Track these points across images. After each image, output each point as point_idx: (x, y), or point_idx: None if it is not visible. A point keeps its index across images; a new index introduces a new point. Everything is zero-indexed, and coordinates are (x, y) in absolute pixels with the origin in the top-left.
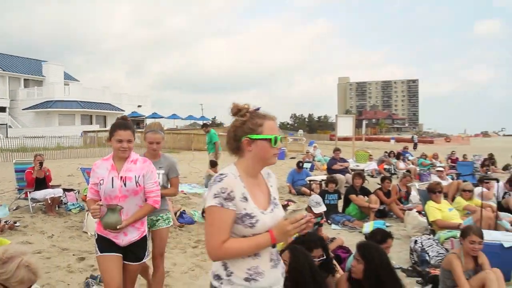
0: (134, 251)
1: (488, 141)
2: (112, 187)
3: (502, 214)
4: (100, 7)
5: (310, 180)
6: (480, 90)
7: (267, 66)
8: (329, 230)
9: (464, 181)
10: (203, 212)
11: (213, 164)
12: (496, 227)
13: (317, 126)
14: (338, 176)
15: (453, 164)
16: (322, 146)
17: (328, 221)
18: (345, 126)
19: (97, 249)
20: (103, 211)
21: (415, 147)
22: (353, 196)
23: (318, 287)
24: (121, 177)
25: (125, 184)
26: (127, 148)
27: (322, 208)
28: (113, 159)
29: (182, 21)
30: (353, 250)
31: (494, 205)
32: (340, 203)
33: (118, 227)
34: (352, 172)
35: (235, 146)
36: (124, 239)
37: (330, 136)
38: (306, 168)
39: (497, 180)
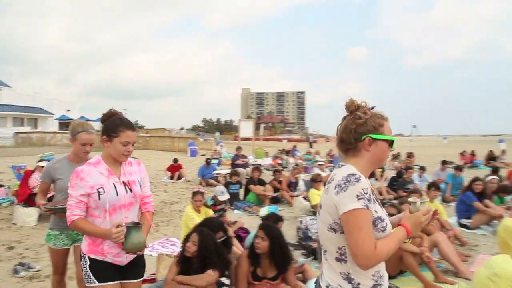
0: (134, 268)
1: None
2: (117, 195)
3: None
4: (32, 21)
5: (217, 174)
6: None
7: (182, 77)
8: (232, 215)
9: None
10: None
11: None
12: None
13: (223, 128)
14: (240, 169)
15: (331, 159)
16: (227, 145)
17: (232, 207)
18: (246, 129)
19: (92, 278)
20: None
21: (311, 145)
22: (252, 186)
23: (221, 259)
24: (123, 182)
25: (130, 190)
26: (131, 152)
27: (226, 196)
28: (105, 163)
29: (109, 37)
30: (252, 230)
31: None
32: (242, 192)
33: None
34: (252, 166)
35: (353, 145)
36: (127, 256)
37: (234, 136)
38: (214, 163)
39: None
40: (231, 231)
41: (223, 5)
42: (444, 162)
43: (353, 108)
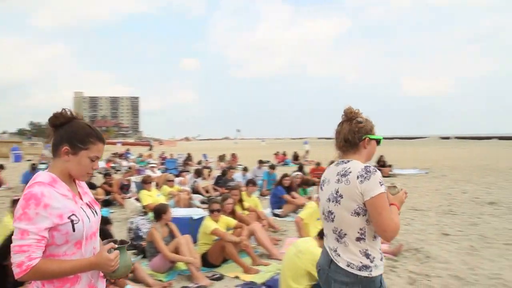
0: None
1: (189, 143)
2: (89, 221)
3: (194, 195)
4: None
5: None
6: (184, 108)
7: (3, 78)
8: None
9: (170, 173)
10: None
11: None
12: (190, 205)
13: None
14: None
15: (163, 161)
16: None
17: None
18: None
19: None
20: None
21: (151, 148)
22: None
23: None
24: (87, 204)
25: (96, 212)
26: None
27: None
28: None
29: None
30: None
31: (189, 189)
32: None
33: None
34: None
35: (354, 144)
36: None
37: None
38: (42, 168)
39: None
40: None
41: (53, 5)
42: (261, 162)
43: (352, 115)
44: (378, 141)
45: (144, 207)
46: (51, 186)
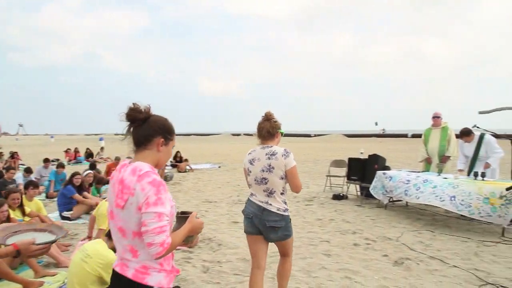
0: None
1: None
2: None
3: None
4: None
5: None
6: None
7: None
8: None
9: None
10: None
11: None
12: None
13: None
14: None
15: None
16: None
17: None
18: None
19: None
20: None
21: None
22: None
23: None
24: None
25: None
26: None
27: None
28: None
29: None
30: None
31: None
32: None
33: None
34: None
35: (273, 135)
36: None
37: None
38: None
39: None
40: None
41: None
42: (46, 160)
43: (270, 117)
44: (282, 134)
45: None
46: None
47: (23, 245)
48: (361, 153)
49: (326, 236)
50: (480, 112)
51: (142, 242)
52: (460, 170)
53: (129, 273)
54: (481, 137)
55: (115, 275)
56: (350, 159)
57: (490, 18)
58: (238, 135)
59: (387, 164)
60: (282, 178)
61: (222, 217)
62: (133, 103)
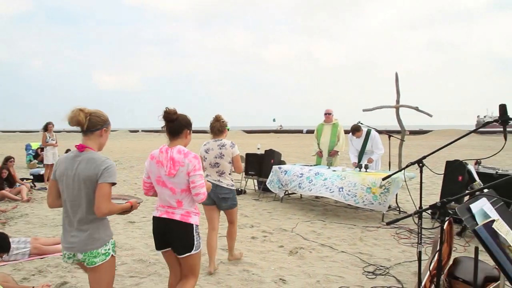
0: None
1: None
2: None
3: None
4: None
5: None
6: None
7: None
8: None
9: None
10: None
11: None
12: None
13: None
14: None
15: None
16: None
17: None
18: None
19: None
20: None
21: None
22: None
23: None
24: None
25: None
26: None
27: None
28: None
29: None
30: None
31: None
32: None
33: None
34: None
35: (221, 132)
36: None
37: None
38: None
39: None
40: None
41: None
42: None
43: (219, 118)
44: (228, 129)
45: None
46: None
47: (134, 203)
48: (258, 148)
49: (224, 231)
50: (364, 110)
51: (187, 196)
52: (354, 163)
53: (177, 217)
54: (368, 132)
55: (162, 221)
56: (247, 155)
57: (372, 25)
58: (136, 131)
59: (282, 158)
60: (230, 163)
61: (117, 218)
62: (167, 108)
